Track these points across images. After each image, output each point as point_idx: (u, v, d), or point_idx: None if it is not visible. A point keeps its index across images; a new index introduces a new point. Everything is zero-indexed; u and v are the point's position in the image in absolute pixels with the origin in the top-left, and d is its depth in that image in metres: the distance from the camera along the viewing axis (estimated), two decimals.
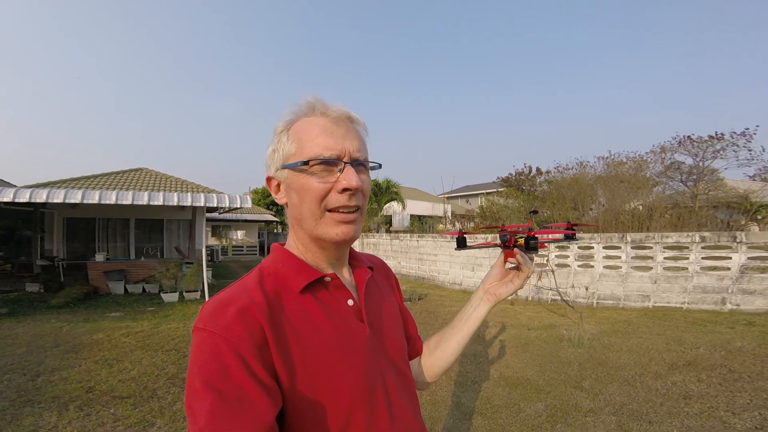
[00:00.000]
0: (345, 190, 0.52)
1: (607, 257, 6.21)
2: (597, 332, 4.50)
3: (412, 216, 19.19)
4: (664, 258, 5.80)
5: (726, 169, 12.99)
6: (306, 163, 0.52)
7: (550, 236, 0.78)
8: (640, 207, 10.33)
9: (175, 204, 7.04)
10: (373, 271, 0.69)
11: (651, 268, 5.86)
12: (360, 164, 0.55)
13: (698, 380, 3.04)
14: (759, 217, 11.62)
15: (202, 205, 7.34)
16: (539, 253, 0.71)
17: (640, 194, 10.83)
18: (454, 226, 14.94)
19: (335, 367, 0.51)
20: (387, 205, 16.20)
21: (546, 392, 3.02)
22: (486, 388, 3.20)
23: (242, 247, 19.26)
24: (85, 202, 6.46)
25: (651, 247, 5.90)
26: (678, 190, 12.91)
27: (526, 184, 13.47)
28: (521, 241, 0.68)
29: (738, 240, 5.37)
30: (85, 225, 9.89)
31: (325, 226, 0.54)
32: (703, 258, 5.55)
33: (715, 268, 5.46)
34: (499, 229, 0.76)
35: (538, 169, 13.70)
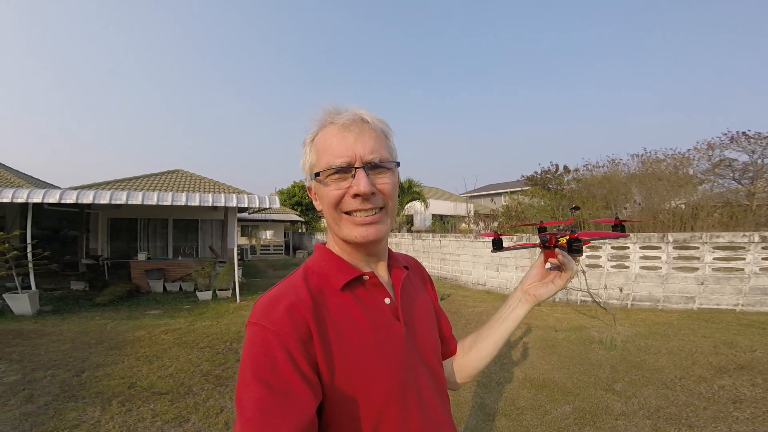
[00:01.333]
0: (356, 195, 0.54)
1: (645, 257, 5.84)
2: (631, 334, 4.23)
3: (434, 216, 18.96)
4: (714, 258, 5.38)
5: None
6: (318, 174, 0.57)
7: (595, 237, 0.73)
8: (683, 206, 9.63)
9: (209, 205, 7.36)
10: (409, 270, 0.70)
11: (697, 269, 5.45)
12: (375, 166, 0.55)
13: (752, 384, 2.78)
14: None
15: (234, 205, 7.61)
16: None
17: (682, 192, 10.09)
18: (477, 225, 14.63)
19: (372, 363, 0.52)
20: (409, 204, 16.10)
21: (574, 394, 2.88)
22: (510, 390, 3.09)
23: (269, 246, 19.58)
24: (129, 203, 6.81)
25: (697, 247, 5.49)
26: (730, 189, 11.89)
27: (552, 182, 12.91)
28: (563, 241, 0.65)
29: None
30: (128, 225, 10.42)
31: (345, 229, 0.57)
32: (763, 258, 5.12)
33: None
34: (538, 227, 0.73)
35: (565, 167, 13.10)
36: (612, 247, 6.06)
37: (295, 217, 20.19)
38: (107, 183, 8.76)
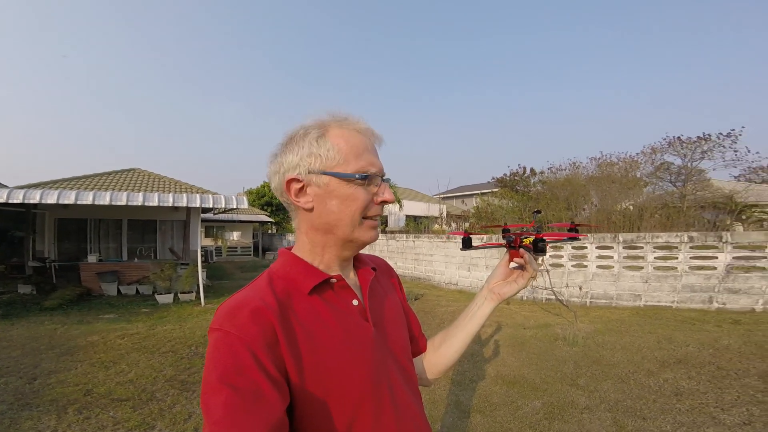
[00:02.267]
0: (383, 203, 0.60)
1: (600, 257, 6.33)
2: (591, 331, 4.60)
3: (408, 216, 19.24)
4: (655, 258, 5.93)
5: (714, 170, 13.30)
6: (364, 177, 0.57)
7: (556, 238, 0.80)
8: (631, 207, 10.54)
9: (170, 205, 6.98)
10: (377, 271, 0.71)
11: (642, 268, 6.00)
12: (387, 180, 0.63)
13: (689, 377, 3.14)
14: (743, 217, 11.94)
15: (197, 206, 7.28)
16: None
17: (631, 194, 11.04)
18: (450, 226, 15.03)
19: (343, 363, 0.53)
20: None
21: (543, 390, 3.09)
22: (484, 387, 3.25)
23: (236, 247, 19.07)
24: (79, 203, 6.37)
25: (642, 247, 6.03)
26: (667, 191, 13.16)
27: (520, 184, 13.61)
28: (527, 241, 0.70)
29: (724, 240, 5.52)
30: (77, 226, 9.73)
31: (362, 231, 0.59)
32: (691, 258, 5.69)
33: (702, 268, 5.60)
34: (503, 229, 0.77)
35: (532, 170, 13.87)
36: (572, 247, 6.52)
37: (264, 218, 19.65)
38: (55, 182, 8.19)
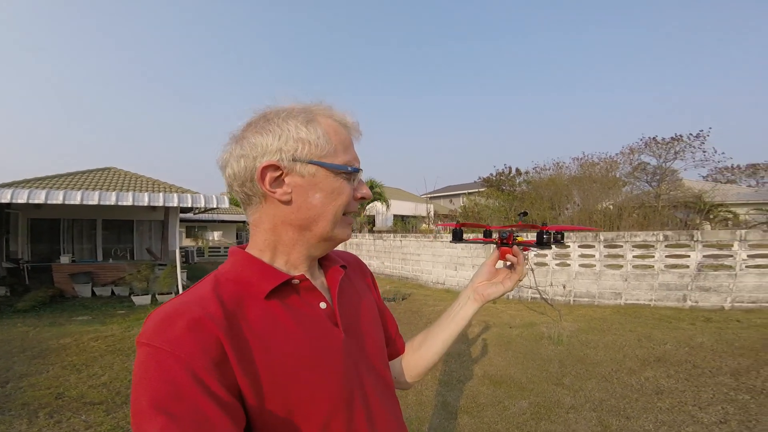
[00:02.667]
0: (361, 199, 0.57)
1: (583, 256, 6.48)
2: (575, 330, 4.70)
3: (395, 216, 19.23)
4: (633, 256, 6.11)
5: (685, 169, 13.93)
6: (356, 170, 0.54)
7: (562, 230, 0.76)
8: (611, 207, 10.90)
9: (145, 204, 6.80)
10: (347, 269, 0.66)
11: (622, 267, 6.17)
12: None
13: (668, 376, 3.24)
14: (711, 216, 12.56)
15: (175, 205, 7.11)
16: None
17: (611, 194, 11.42)
18: (437, 226, 15.14)
19: (309, 376, 0.48)
20: (370, 205, 16.15)
21: (529, 390, 3.13)
22: (471, 387, 3.26)
23: (219, 248, 18.76)
24: (49, 202, 6.18)
25: (621, 246, 6.19)
26: (644, 190, 13.68)
27: (506, 184, 13.86)
28: (520, 239, 0.68)
29: (695, 239, 5.72)
30: (50, 226, 9.39)
31: (340, 228, 0.55)
32: (666, 256, 5.88)
33: (676, 266, 5.79)
34: (484, 231, 0.75)
35: (517, 170, 14.14)
36: (556, 246, 6.66)
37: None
38: (27, 181, 7.88)
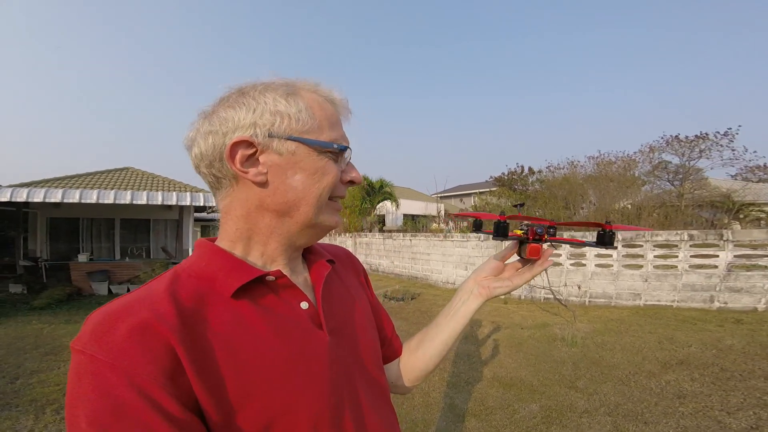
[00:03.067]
0: (350, 183, 0.51)
1: (599, 255, 6.23)
2: (590, 331, 4.50)
3: (405, 215, 19.17)
4: (654, 256, 5.84)
5: (711, 168, 13.31)
6: (344, 148, 0.48)
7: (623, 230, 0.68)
8: (629, 206, 10.50)
9: (159, 203, 6.96)
10: (336, 264, 0.60)
11: (641, 267, 5.90)
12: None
13: (691, 379, 3.03)
14: (741, 216, 11.93)
15: (188, 204, 7.26)
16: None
17: (629, 193, 11.02)
18: (447, 225, 15.00)
19: (286, 385, 0.42)
20: (380, 204, 16.17)
21: (540, 393, 2.99)
22: (479, 389, 3.15)
23: None
24: (65, 201, 6.41)
25: (641, 246, 5.93)
26: (665, 190, 13.15)
27: (518, 183, 13.60)
28: (560, 237, 0.60)
29: (725, 238, 5.42)
30: (68, 225, 9.66)
31: (326, 214, 0.49)
32: (691, 256, 5.59)
33: (703, 266, 5.50)
34: (525, 222, 0.64)
35: (530, 169, 13.86)
36: (570, 246, 6.43)
37: None
38: (47, 181, 8.14)
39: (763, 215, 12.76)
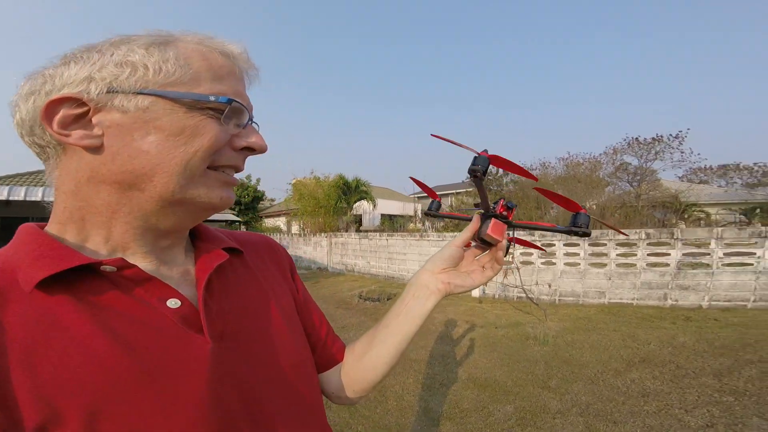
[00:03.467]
0: (248, 149, 0.42)
1: (568, 254, 6.48)
2: (560, 329, 4.65)
3: (383, 215, 19.15)
4: (617, 255, 6.15)
5: (664, 170, 14.30)
6: (228, 101, 0.37)
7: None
8: (595, 206, 11.06)
9: None
10: (244, 254, 0.50)
11: (606, 265, 6.19)
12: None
13: (653, 377, 3.18)
14: (686, 215, 12.92)
15: None
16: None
17: (594, 194, 11.61)
18: (423, 225, 15.14)
19: (131, 412, 0.32)
20: (357, 204, 16.05)
21: (515, 393, 3.03)
22: (454, 391, 3.16)
23: None
24: (11, 199, 5.85)
25: (605, 244, 6.22)
26: (625, 190, 13.98)
27: (493, 184, 13.92)
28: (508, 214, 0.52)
29: (675, 237, 5.77)
30: (20, 225, 8.96)
31: (205, 187, 0.39)
32: (648, 255, 5.93)
33: (657, 265, 5.83)
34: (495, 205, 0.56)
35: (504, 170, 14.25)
36: (542, 245, 6.64)
37: (231, 217, 19.07)
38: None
39: (702, 215, 13.90)
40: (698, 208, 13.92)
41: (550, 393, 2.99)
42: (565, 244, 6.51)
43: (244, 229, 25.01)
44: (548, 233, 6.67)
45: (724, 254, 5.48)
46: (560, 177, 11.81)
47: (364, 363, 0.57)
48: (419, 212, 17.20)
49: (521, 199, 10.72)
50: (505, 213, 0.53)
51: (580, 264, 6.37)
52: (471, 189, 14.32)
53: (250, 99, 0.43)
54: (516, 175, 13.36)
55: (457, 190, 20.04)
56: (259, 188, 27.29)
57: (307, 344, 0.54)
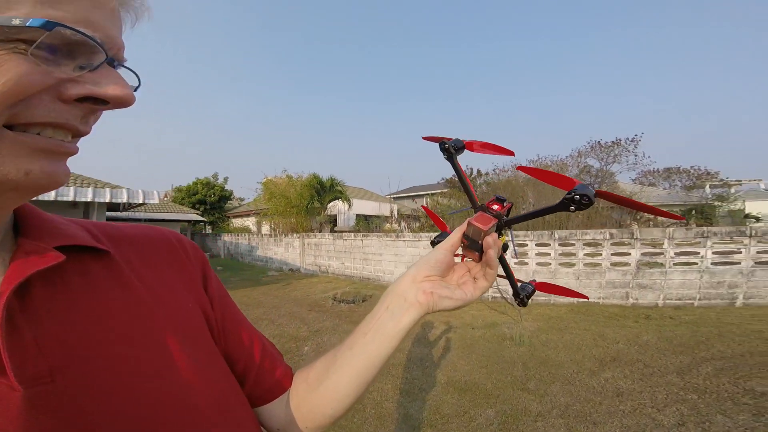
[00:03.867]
0: (92, 101, 0.28)
1: (539, 254, 6.67)
2: (535, 329, 4.74)
3: (358, 216, 18.98)
4: (584, 254, 6.41)
5: (620, 172, 15.35)
6: (48, 25, 0.24)
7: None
8: None
9: (52, 200, 5.80)
10: (109, 254, 0.36)
11: (574, 265, 6.44)
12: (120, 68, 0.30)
13: (624, 376, 3.27)
14: (638, 216, 13.93)
15: (89, 200, 6.21)
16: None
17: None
18: (399, 225, 15.14)
19: None
20: (331, 204, 15.79)
21: (495, 396, 3.01)
22: (434, 396, 3.09)
23: None
24: None
25: (573, 244, 6.46)
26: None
27: (474, 194, 14.34)
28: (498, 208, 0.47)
29: (634, 237, 6.11)
30: None
31: (12, 157, 0.25)
32: (612, 254, 6.23)
33: (620, 264, 6.14)
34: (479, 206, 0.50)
35: (478, 171, 14.62)
36: (515, 245, 6.77)
37: (195, 217, 18.23)
38: None
39: (651, 216, 15.07)
40: None
41: (529, 395, 2.99)
42: (537, 244, 6.70)
43: (209, 231, 23.93)
44: (541, 237, 6.86)
45: (675, 254, 5.86)
46: (529, 179, 12.27)
47: (320, 393, 0.45)
48: (395, 212, 17.20)
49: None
50: (495, 207, 0.47)
51: (551, 264, 6.57)
52: (446, 190, 14.51)
53: (123, 39, 0.30)
54: (488, 178, 13.81)
55: (432, 191, 20.31)
56: (226, 187, 26.32)
57: (229, 372, 0.41)
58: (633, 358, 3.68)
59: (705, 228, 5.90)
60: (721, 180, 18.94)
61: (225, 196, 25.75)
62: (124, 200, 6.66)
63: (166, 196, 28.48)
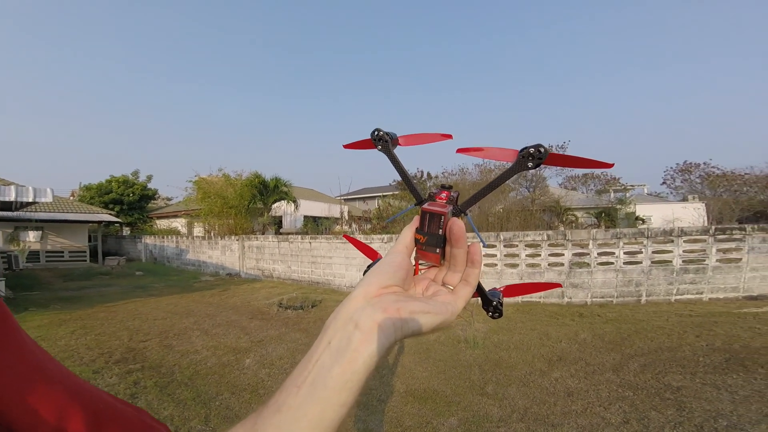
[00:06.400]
0: None
1: (486, 255, 6.94)
2: (486, 330, 4.85)
3: (306, 217, 18.23)
4: (526, 255, 6.83)
5: (551, 177, 17.12)
6: None
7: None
8: (501, 210, 12.45)
9: None
10: None
11: (518, 265, 6.83)
12: None
13: (571, 375, 3.42)
14: (564, 219, 15.67)
15: None
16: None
17: (501, 198, 13.09)
18: (350, 227, 14.85)
19: None
20: (276, 205, 14.92)
21: (456, 403, 2.95)
22: (394, 407, 2.94)
23: (63, 252, 15.67)
24: None
25: (517, 245, 6.86)
26: (524, 196, 16.23)
27: (418, 187, 14.69)
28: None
29: (567, 238, 6.67)
30: None
31: None
32: (549, 255, 6.73)
33: (555, 264, 6.65)
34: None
35: (428, 174, 15.03)
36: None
37: (108, 217, 15.92)
38: None
39: (574, 218, 17.07)
40: (571, 212, 16.95)
41: (489, 399, 2.98)
42: (484, 246, 6.95)
43: (128, 230, 21.28)
44: (488, 239, 7.06)
45: (598, 254, 6.54)
46: (475, 182, 12.98)
47: None
48: (345, 214, 16.85)
49: None
50: (444, 194, 0.40)
51: (497, 264, 6.89)
52: (398, 192, 14.65)
53: None
54: (438, 181, 14.31)
55: (384, 193, 20.39)
56: (149, 186, 23.67)
57: None
58: (575, 356, 3.89)
59: (618, 230, 6.68)
60: (621, 185, 22.16)
61: (147, 196, 23.11)
62: (12, 198, 5.43)
63: (73, 195, 25.05)
